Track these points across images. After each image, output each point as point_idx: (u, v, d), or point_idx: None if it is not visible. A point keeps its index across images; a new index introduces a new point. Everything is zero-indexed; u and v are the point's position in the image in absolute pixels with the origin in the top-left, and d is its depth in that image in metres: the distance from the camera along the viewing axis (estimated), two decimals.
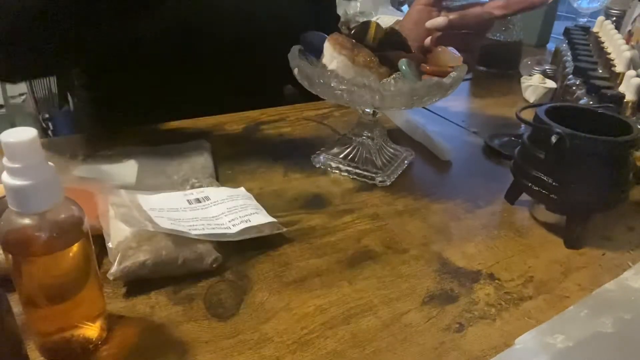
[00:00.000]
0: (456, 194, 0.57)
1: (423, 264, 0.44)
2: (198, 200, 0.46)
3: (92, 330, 0.34)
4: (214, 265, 0.41)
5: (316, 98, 0.54)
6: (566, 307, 0.40)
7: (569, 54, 0.82)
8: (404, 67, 0.51)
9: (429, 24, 0.59)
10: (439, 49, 0.55)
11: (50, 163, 0.29)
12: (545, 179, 0.47)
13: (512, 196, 0.54)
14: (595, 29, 0.89)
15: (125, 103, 0.79)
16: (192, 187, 0.49)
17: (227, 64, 0.74)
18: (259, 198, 0.50)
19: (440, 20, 0.59)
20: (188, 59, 0.72)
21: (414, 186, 0.57)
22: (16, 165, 0.28)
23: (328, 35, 0.53)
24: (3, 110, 2.21)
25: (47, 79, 1.02)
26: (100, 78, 0.80)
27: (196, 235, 0.41)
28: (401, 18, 0.67)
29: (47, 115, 1.02)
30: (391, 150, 0.60)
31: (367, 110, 0.57)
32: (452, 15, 0.60)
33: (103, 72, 0.79)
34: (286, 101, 0.80)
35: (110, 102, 0.80)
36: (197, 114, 0.69)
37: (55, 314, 0.32)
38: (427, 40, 0.59)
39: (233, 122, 0.69)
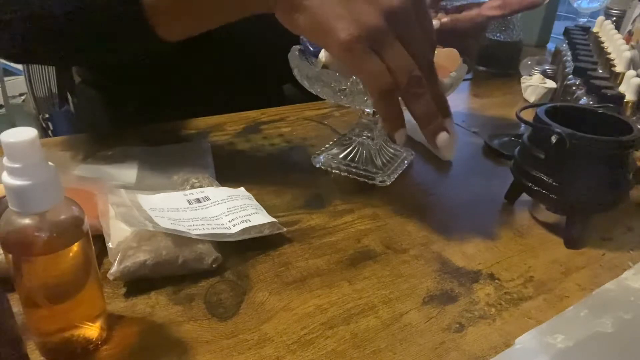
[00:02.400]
0: (456, 194, 0.57)
1: (423, 264, 0.44)
2: (198, 200, 0.46)
3: (92, 330, 0.34)
4: (214, 265, 0.41)
5: (316, 98, 0.54)
6: (566, 307, 0.40)
7: (569, 54, 0.82)
8: None
9: None
10: (437, 50, 0.55)
11: (50, 163, 0.29)
12: (545, 179, 0.47)
13: (512, 196, 0.54)
14: (595, 29, 0.89)
15: (125, 103, 0.79)
16: (192, 187, 0.49)
17: (227, 63, 0.74)
18: (259, 198, 0.50)
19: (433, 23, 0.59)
20: (188, 58, 0.72)
21: (414, 186, 0.57)
22: (16, 165, 0.28)
23: None
24: (3, 110, 2.21)
25: (47, 79, 1.02)
26: (102, 76, 0.81)
27: (196, 235, 0.41)
28: None
29: (47, 115, 1.02)
30: (391, 150, 0.60)
31: (367, 110, 0.57)
32: (444, 19, 0.60)
33: (104, 70, 0.79)
34: (286, 101, 0.80)
35: (110, 101, 0.80)
36: (197, 114, 0.69)
37: (55, 314, 0.32)
38: None
39: (233, 122, 0.69)
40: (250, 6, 0.46)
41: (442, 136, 0.42)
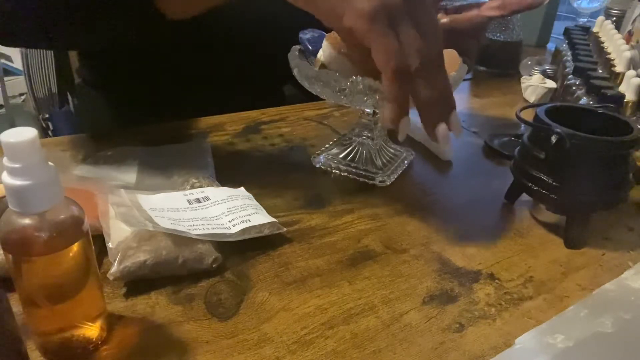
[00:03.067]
0: (456, 194, 0.57)
1: (423, 264, 0.44)
2: (198, 200, 0.46)
3: (92, 330, 0.34)
4: (214, 265, 0.41)
5: (316, 98, 0.54)
6: (566, 307, 0.40)
7: (569, 54, 0.82)
8: None
9: None
10: None
11: (50, 163, 0.29)
12: (545, 179, 0.47)
13: (512, 196, 0.54)
14: (595, 29, 0.89)
15: (125, 103, 0.79)
16: (192, 187, 0.49)
17: (227, 63, 0.74)
18: (259, 198, 0.50)
19: None
20: (188, 58, 0.72)
21: (414, 186, 0.57)
22: (16, 165, 0.28)
23: (327, 33, 0.53)
24: (3, 110, 2.21)
25: (47, 79, 1.02)
26: (101, 76, 0.81)
27: (196, 235, 0.41)
28: None
29: (47, 115, 1.02)
30: (391, 150, 0.60)
31: (367, 110, 0.57)
32: (444, 19, 0.60)
33: (104, 71, 0.79)
34: (286, 101, 0.80)
35: (110, 101, 0.80)
36: (198, 114, 0.69)
37: (55, 314, 0.32)
38: None
39: (233, 122, 0.69)
40: None
41: (442, 128, 0.42)
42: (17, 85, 2.25)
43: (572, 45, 0.83)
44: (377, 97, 0.48)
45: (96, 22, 0.51)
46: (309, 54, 0.56)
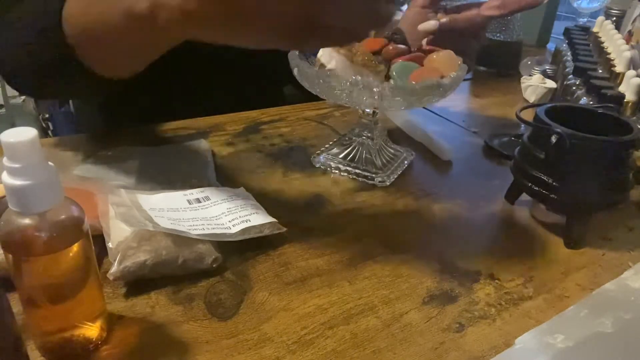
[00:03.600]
0: (456, 194, 0.57)
1: (423, 264, 0.44)
2: (198, 200, 0.46)
3: (92, 330, 0.34)
4: (214, 265, 0.41)
5: (316, 98, 0.54)
6: (566, 307, 0.40)
7: (569, 54, 0.82)
8: (394, 73, 0.51)
9: (421, 27, 0.59)
10: (436, 53, 0.55)
11: (50, 163, 0.29)
12: (545, 179, 0.47)
13: (512, 196, 0.54)
14: (595, 29, 0.89)
15: (125, 103, 0.79)
16: (192, 187, 0.49)
17: (227, 63, 0.74)
18: (259, 198, 0.49)
19: (431, 23, 0.59)
20: (188, 58, 0.72)
21: (414, 186, 0.57)
22: (16, 165, 0.28)
23: None
24: (3, 110, 2.21)
25: None
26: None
27: (196, 235, 0.41)
28: (399, 19, 0.67)
29: (47, 115, 1.02)
30: (391, 150, 0.60)
31: (367, 110, 0.57)
32: (443, 19, 0.60)
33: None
34: (286, 101, 0.80)
35: (110, 102, 0.80)
36: (197, 114, 0.69)
37: (56, 314, 0.32)
38: (424, 42, 0.60)
39: (233, 122, 0.69)
40: (161, 40, 0.45)
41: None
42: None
43: (572, 45, 0.83)
44: (375, 98, 0.48)
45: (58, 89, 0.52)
46: (309, 54, 0.56)
